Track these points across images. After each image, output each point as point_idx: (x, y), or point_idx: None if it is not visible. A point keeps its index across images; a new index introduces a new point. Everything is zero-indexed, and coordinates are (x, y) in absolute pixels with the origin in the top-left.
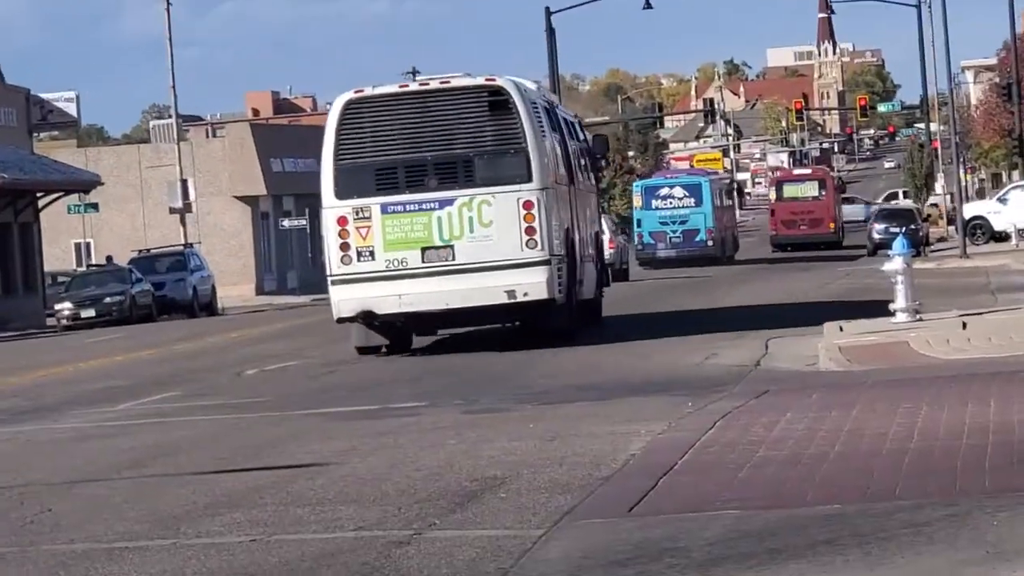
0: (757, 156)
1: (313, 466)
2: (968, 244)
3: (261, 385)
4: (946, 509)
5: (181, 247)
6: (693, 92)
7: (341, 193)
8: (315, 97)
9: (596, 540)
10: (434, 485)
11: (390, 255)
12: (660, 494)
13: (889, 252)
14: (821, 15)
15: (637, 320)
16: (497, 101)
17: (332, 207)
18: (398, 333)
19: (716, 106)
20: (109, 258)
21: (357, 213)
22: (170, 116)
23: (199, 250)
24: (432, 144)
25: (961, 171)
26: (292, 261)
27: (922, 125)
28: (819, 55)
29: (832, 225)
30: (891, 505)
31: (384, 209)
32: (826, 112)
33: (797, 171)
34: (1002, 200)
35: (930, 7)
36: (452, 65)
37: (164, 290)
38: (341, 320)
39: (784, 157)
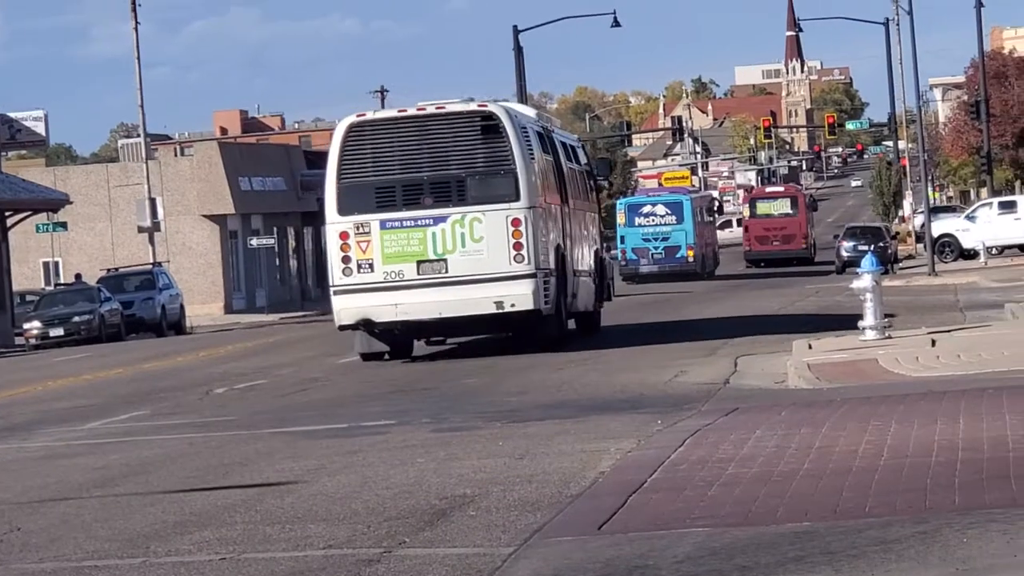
0: (725, 174)
1: (282, 484)
2: (937, 262)
3: (230, 404)
4: (916, 526)
5: (150, 266)
6: (661, 110)
7: (343, 210)
8: (283, 116)
9: (566, 558)
10: (404, 503)
11: (388, 267)
12: (630, 512)
13: (858, 270)
14: (789, 33)
15: (614, 334)
16: (488, 125)
17: (334, 222)
18: (398, 340)
19: (684, 124)
20: (78, 277)
21: (358, 228)
22: (138, 135)
23: (167, 269)
24: (428, 165)
25: (929, 189)
26: (261, 280)
27: (890, 143)
28: (787, 73)
29: (804, 241)
30: (861, 522)
31: (383, 225)
32: (794, 130)
33: (770, 188)
34: (970, 218)
35: (898, 25)
36: (420, 84)
37: (133, 309)
38: (343, 327)
39: (752, 175)
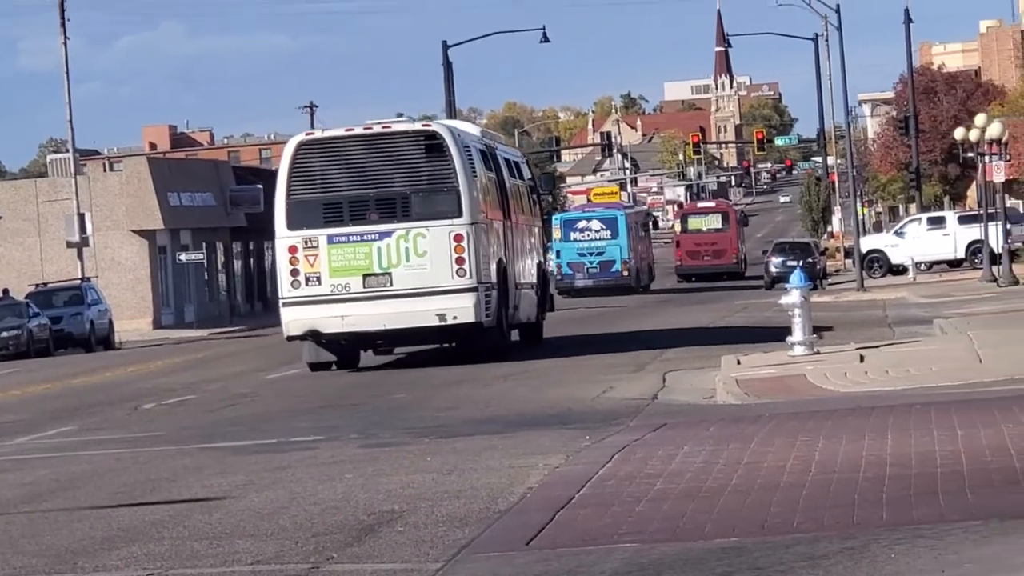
0: (654, 190)
1: (210, 500)
2: (866, 277)
3: (159, 419)
4: (844, 542)
5: (78, 281)
6: (590, 126)
7: (292, 225)
8: (212, 131)
9: (494, 573)
10: (332, 519)
11: (335, 280)
12: (558, 527)
13: (786, 285)
14: (718, 49)
15: (547, 348)
16: (432, 144)
17: (284, 237)
18: (345, 351)
19: (613, 140)
20: (6, 292)
21: (306, 243)
22: (67, 150)
23: (96, 284)
24: (374, 182)
25: (858, 204)
26: (189, 295)
27: (819, 159)
28: (716, 89)
29: (735, 256)
30: (789, 538)
31: (330, 239)
32: (723, 145)
33: (701, 204)
34: (899, 234)
35: (827, 40)
36: (350, 99)
37: (61, 324)
38: (291, 338)
39: (681, 191)
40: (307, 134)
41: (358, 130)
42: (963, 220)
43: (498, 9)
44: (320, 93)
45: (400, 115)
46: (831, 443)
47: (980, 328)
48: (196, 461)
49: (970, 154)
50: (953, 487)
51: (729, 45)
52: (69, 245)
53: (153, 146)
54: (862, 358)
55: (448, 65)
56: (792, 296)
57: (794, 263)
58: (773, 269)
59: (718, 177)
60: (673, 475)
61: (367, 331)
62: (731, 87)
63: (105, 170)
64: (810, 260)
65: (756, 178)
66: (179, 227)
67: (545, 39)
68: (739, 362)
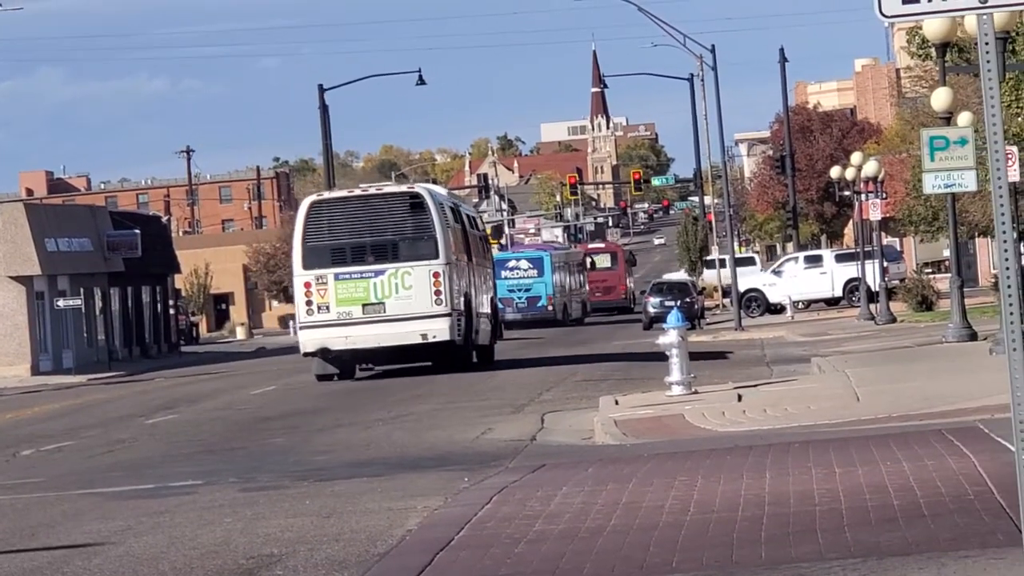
0: (532, 231)
1: (90, 546)
2: (744, 316)
3: (37, 465)
4: None
5: None
6: (467, 167)
7: (306, 266)
8: (89, 176)
9: None
10: (211, 563)
11: (340, 309)
12: (437, 570)
13: (664, 325)
14: (594, 90)
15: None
16: (415, 202)
17: (300, 275)
18: (345, 365)
19: (490, 181)
20: None
21: (318, 279)
22: None
23: None
24: (370, 232)
25: (735, 244)
26: (68, 341)
27: (696, 198)
28: (593, 129)
29: (624, 292)
30: None
31: (336, 276)
32: (600, 186)
33: (592, 245)
34: (776, 272)
35: (703, 80)
36: (228, 142)
37: None
38: (306, 355)
39: (559, 232)
40: (317, 195)
41: (357, 192)
42: (840, 258)
43: (374, 53)
44: (198, 137)
45: (280, 160)
46: (709, 483)
47: (858, 366)
48: (75, 507)
49: (846, 192)
50: (831, 525)
51: (605, 86)
52: None
53: (30, 192)
54: (740, 397)
55: (324, 108)
56: (669, 336)
57: (672, 303)
58: (651, 309)
59: (595, 218)
60: (552, 516)
61: (366, 348)
62: (608, 128)
63: None
64: (688, 300)
65: (634, 218)
66: (57, 273)
67: (421, 82)
68: (617, 402)
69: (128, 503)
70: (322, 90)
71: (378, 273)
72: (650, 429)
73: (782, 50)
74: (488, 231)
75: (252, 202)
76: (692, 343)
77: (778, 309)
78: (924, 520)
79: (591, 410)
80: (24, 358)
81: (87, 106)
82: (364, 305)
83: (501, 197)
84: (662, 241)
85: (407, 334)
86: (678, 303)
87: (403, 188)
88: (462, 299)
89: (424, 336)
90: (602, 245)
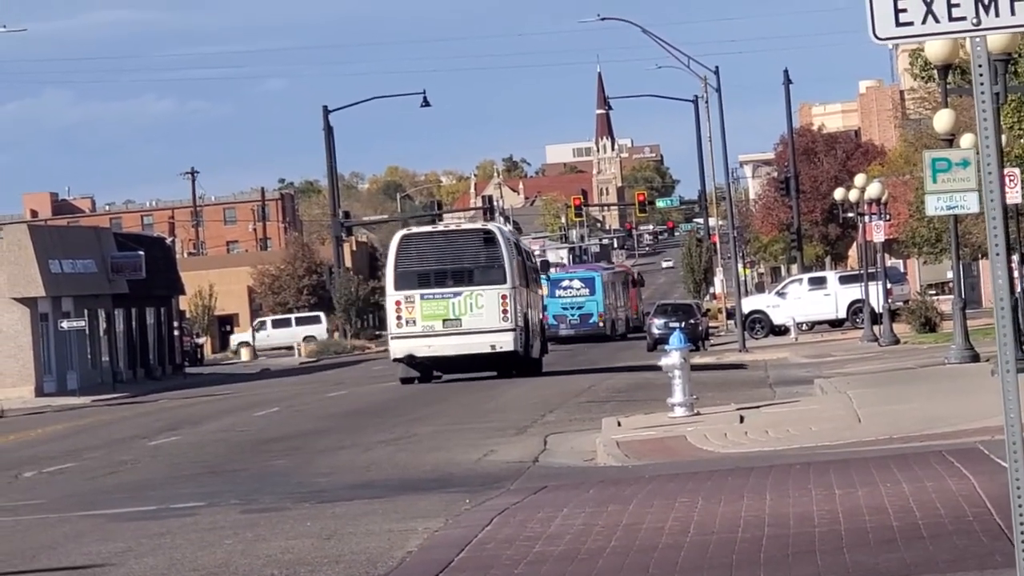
0: (537, 252)
1: (90, 567)
2: (747, 338)
3: (39, 487)
4: None
5: None
6: (472, 189)
7: (398, 287)
8: (94, 198)
9: None
10: None
11: (425, 323)
12: None
13: (666, 347)
14: (599, 111)
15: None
16: (487, 237)
17: (392, 295)
18: (425, 371)
19: (495, 203)
20: None
21: (406, 299)
22: None
23: None
24: (450, 260)
25: (740, 265)
26: (72, 362)
27: (701, 220)
28: (598, 151)
29: (635, 312)
30: None
31: (422, 297)
32: (605, 208)
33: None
34: (780, 294)
35: (707, 102)
36: (233, 163)
37: None
38: (396, 360)
39: (564, 253)
40: (407, 230)
41: (440, 227)
42: (844, 280)
43: (379, 75)
44: (202, 159)
45: (285, 181)
46: (710, 504)
47: (860, 387)
48: (77, 528)
49: (850, 214)
50: (831, 547)
51: (610, 108)
52: None
53: (34, 213)
54: (742, 419)
55: (329, 129)
56: (672, 358)
57: (676, 324)
58: (655, 331)
59: (601, 240)
60: (552, 537)
61: (445, 355)
62: (613, 150)
63: None
64: (692, 321)
65: (639, 240)
66: (61, 294)
67: (426, 103)
68: (620, 424)
69: (129, 525)
70: (327, 111)
71: (456, 294)
72: (652, 450)
73: (786, 72)
74: (538, 263)
75: (257, 223)
76: (695, 364)
77: (782, 330)
78: (923, 542)
79: (594, 431)
80: (28, 379)
81: (92, 128)
82: (444, 320)
83: (506, 219)
84: (670, 264)
85: (479, 344)
86: (682, 324)
87: (478, 225)
88: (521, 318)
89: (493, 347)
90: (611, 267)
